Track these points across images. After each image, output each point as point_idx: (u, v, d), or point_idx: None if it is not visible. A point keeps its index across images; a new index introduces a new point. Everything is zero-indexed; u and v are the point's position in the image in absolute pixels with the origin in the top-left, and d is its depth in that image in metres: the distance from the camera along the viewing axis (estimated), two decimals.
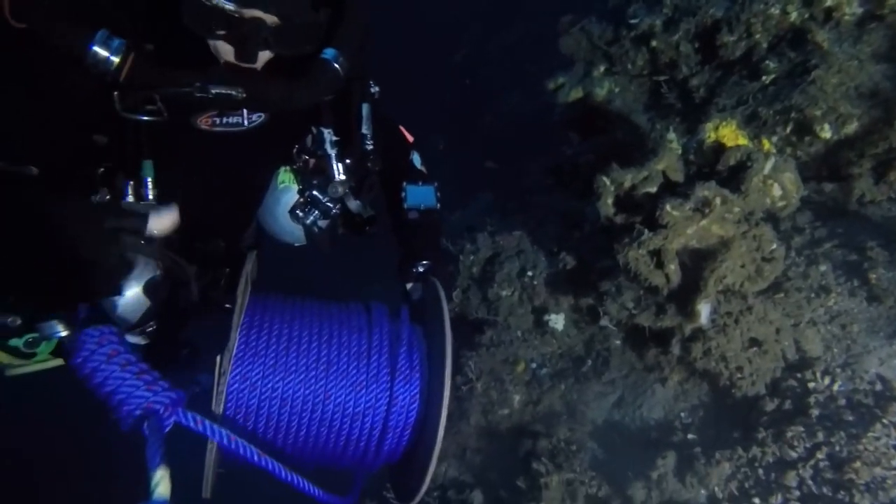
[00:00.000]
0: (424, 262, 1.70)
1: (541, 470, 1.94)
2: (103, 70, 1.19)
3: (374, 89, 1.70)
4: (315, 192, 1.62)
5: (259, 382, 1.34)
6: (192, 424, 1.18)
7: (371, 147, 1.63)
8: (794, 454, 1.54)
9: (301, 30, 1.29)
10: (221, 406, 1.31)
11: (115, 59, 1.19)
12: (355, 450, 1.41)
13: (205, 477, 1.34)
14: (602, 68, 2.77)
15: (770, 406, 1.67)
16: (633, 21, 2.64)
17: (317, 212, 1.64)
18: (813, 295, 1.76)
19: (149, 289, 1.37)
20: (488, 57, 5.86)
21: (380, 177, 1.71)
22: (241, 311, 1.39)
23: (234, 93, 1.25)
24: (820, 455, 1.52)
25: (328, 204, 1.62)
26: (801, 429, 1.56)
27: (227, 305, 1.44)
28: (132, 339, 1.43)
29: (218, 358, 1.31)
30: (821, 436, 1.54)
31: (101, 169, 1.38)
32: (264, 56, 1.31)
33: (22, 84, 1.27)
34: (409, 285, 1.69)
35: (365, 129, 1.63)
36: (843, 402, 1.58)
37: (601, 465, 1.90)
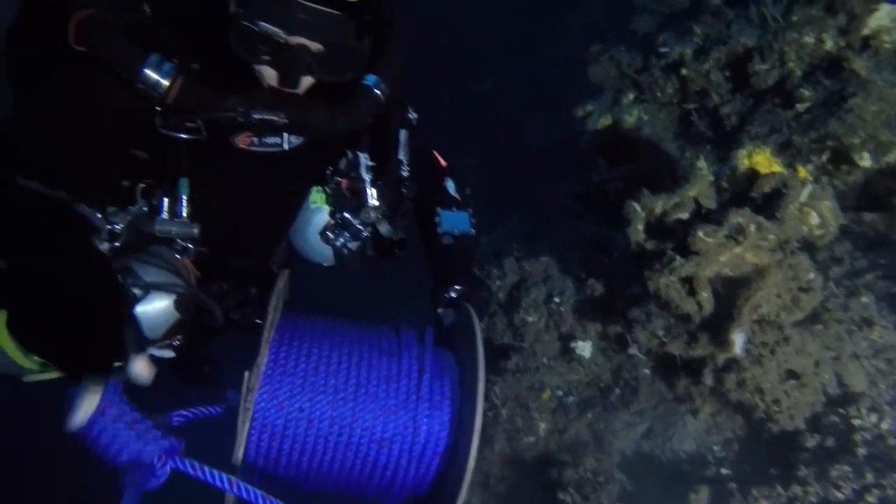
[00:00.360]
0: (457, 287, 1.68)
1: (567, 500, 1.88)
2: (153, 92, 1.24)
3: (412, 115, 1.71)
4: (346, 215, 1.63)
5: (286, 402, 1.32)
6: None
7: (407, 173, 1.64)
8: (840, 495, 1.46)
9: (345, 57, 1.31)
10: (247, 424, 1.29)
11: (165, 83, 1.23)
12: (381, 478, 1.36)
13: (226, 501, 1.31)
14: (631, 96, 2.77)
15: (811, 442, 1.59)
16: (662, 50, 2.64)
17: (347, 234, 1.64)
18: (854, 327, 1.69)
19: (179, 303, 1.38)
20: (514, 84, 5.91)
21: (413, 202, 1.71)
22: (272, 328, 1.38)
23: (276, 118, 1.27)
24: (870, 498, 1.43)
25: (359, 226, 1.62)
26: (848, 468, 1.47)
27: (258, 321, 1.43)
28: (158, 352, 1.43)
29: (246, 374, 1.30)
30: (870, 477, 1.45)
31: (142, 185, 1.41)
32: (307, 81, 1.33)
33: (74, 103, 1.32)
34: (440, 310, 1.67)
35: (401, 156, 1.64)
36: (893, 441, 1.49)
37: (630, 497, 1.83)
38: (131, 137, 1.39)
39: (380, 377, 1.37)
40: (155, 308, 1.35)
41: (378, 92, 1.38)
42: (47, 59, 1.31)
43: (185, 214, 1.45)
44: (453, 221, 1.77)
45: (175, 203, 1.44)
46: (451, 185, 1.87)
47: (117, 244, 1.39)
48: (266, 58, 1.27)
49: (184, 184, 1.44)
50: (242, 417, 1.28)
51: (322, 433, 1.31)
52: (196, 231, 1.46)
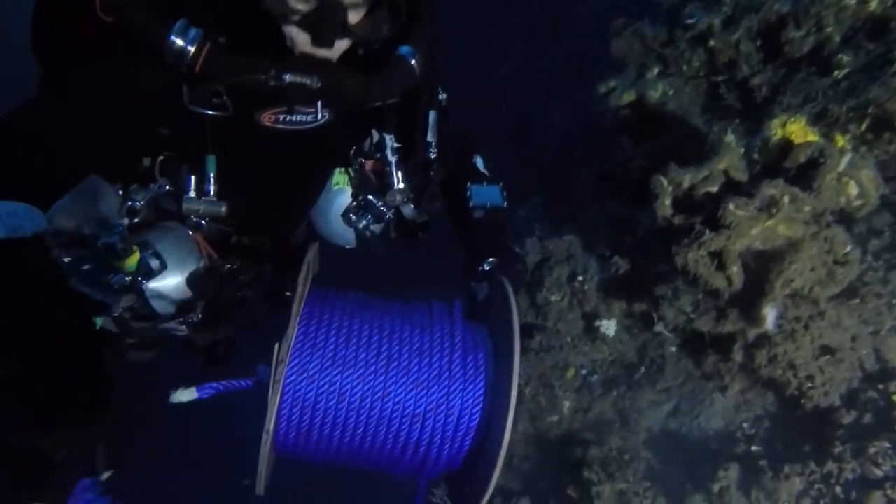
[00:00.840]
0: (491, 259, 1.64)
1: (593, 479, 1.85)
2: (180, 61, 1.20)
3: (442, 96, 1.67)
4: (369, 197, 1.60)
5: (317, 375, 1.31)
6: None
7: (435, 155, 1.60)
8: (879, 472, 1.41)
9: (380, 15, 1.26)
10: (277, 397, 1.28)
11: (191, 49, 1.19)
12: (414, 454, 1.34)
13: (258, 473, 1.31)
14: (656, 70, 2.68)
15: (847, 419, 1.53)
16: (689, 21, 2.54)
17: (370, 216, 1.61)
18: (895, 301, 1.62)
19: (192, 280, 1.37)
20: (535, 71, 5.82)
21: (441, 185, 1.67)
22: (302, 301, 1.37)
23: (308, 81, 1.22)
24: None
25: (382, 209, 1.59)
26: (887, 445, 1.42)
27: (288, 294, 1.42)
28: (172, 326, 1.43)
29: (276, 346, 1.29)
30: None
31: (161, 157, 1.40)
32: (340, 46, 1.28)
33: (103, 79, 1.31)
34: (474, 284, 1.63)
35: (430, 137, 1.60)
36: None
37: (657, 476, 1.80)
38: (158, 114, 1.36)
39: (412, 351, 1.35)
40: (167, 285, 1.34)
41: (413, 62, 1.33)
42: (75, 34, 1.29)
43: (212, 192, 1.41)
44: (485, 195, 1.72)
45: (203, 181, 1.41)
46: (480, 162, 1.83)
47: (136, 220, 1.37)
48: (298, 15, 1.22)
49: (211, 161, 1.40)
50: (273, 390, 1.27)
51: (353, 407, 1.30)
52: (224, 209, 1.42)
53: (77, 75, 1.32)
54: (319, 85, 1.23)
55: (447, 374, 1.33)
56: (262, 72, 1.21)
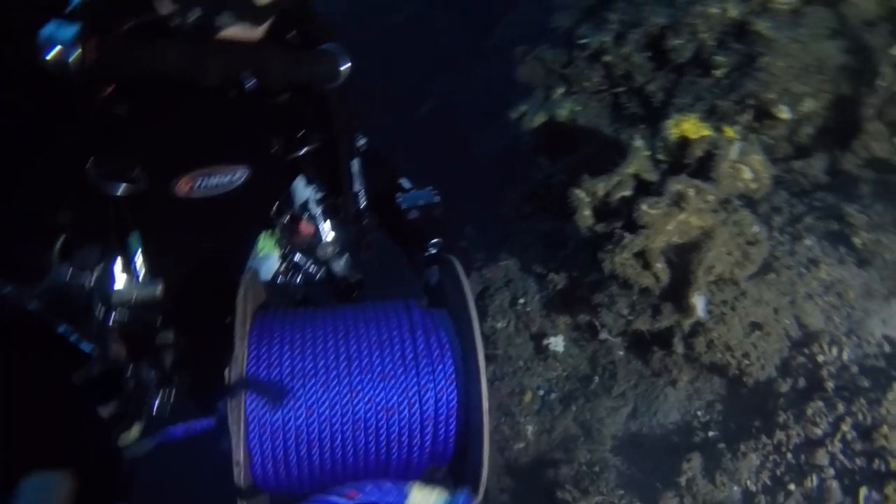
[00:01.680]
0: (434, 241, 1.63)
1: (567, 498, 1.92)
2: (64, 69, 1.07)
3: (362, 142, 1.69)
4: (297, 257, 1.60)
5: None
6: None
7: (365, 204, 1.62)
8: (818, 431, 1.56)
9: None
10: (242, 428, 1.22)
11: (75, 50, 1.06)
12: (399, 450, 1.29)
13: None
14: (561, 90, 2.91)
15: (784, 387, 1.69)
16: (583, 41, 2.81)
17: (300, 278, 1.61)
18: (804, 270, 1.82)
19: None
20: (457, 103, 6.08)
21: (372, 203, 1.67)
22: (245, 323, 1.31)
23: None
24: (845, 427, 1.53)
25: (311, 270, 1.60)
26: (821, 404, 1.57)
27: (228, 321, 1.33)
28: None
29: (227, 372, 1.24)
30: (841, 407, 1.56)
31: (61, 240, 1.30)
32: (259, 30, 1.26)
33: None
34: (425, 270, 1.61)
35: (357, 187, 1.60)
36: (855, 369, 1.60)
37: (628, 481, 1.89)
38: (60, 196, 1.29)
39: (371, 345, 1.31)
40: None
41: (340, 62, 1.34)
42: None
43: (140, 272, 1.36)
44: (415, 197, 1.73)
45: (128, 262, 1.35)
46: (406, 182, 1.84)
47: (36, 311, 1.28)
48: None
49: (134, 239, 1.34)
50: (234, 419, 1.21)
51: (325, 417, 1.25)
52: (159, 291, 1.37)
53: None
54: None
55: (412, 359, 1.30)
56: (179, 54, 1.11)
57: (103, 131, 1.22)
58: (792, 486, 1.57)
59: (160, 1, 1.19)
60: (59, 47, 1.05)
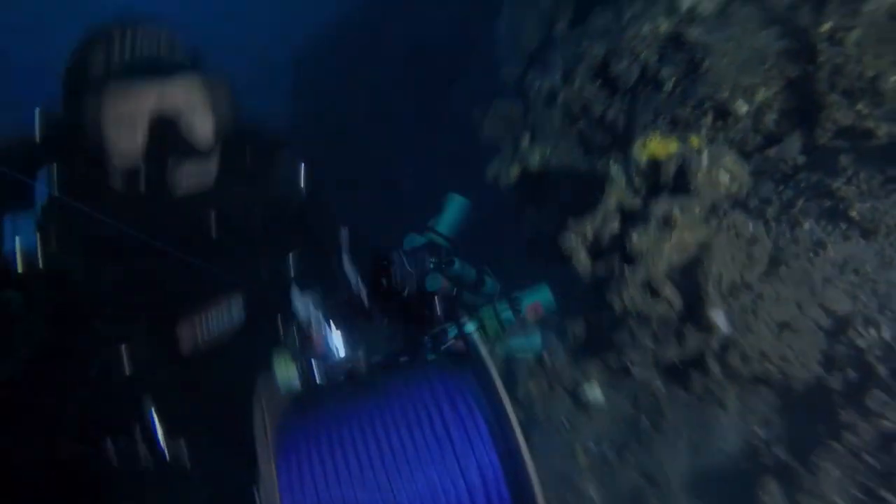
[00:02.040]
0: (447, 324, 1.60)
1: None
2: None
3: (343, 233, 1.70)
4: (314, 365, 1.62)
5: None
6: None
7: (363, 289, 1.63)
8: (889, 424, 1.47)
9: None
10: None
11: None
12: None
13: None
14: (528, 138, 2.98)
15: (835, 382, 1.62)
16: (535, 87, 2.89)
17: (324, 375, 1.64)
18: (812, 254, 1.78)
19: None
20: (434, 171, 6.19)
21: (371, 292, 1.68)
22: (269, 446, 1.28)
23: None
24: None
25: (332, 372, 1.62)
26: (881, 393, 1.50)
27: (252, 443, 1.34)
28: None
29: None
30: None
31: None
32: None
33: None
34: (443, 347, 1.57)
35: (354, 282, 1.63)
36: None
37: None
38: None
39: (400, 433, 1.29)
40: None
41: (298, 168, 1.41)
42: None
43: (162, 441, 1.34)
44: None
45: (147, 428, 1.34)
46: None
47: None
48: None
49: (147, 403, 1.34)
50: None
51: None
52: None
53: None
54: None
55: (445, 436, 1.28)
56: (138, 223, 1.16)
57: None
58: (883, 492, 1.47)
59: (114, 179, 1.27)
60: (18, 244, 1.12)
